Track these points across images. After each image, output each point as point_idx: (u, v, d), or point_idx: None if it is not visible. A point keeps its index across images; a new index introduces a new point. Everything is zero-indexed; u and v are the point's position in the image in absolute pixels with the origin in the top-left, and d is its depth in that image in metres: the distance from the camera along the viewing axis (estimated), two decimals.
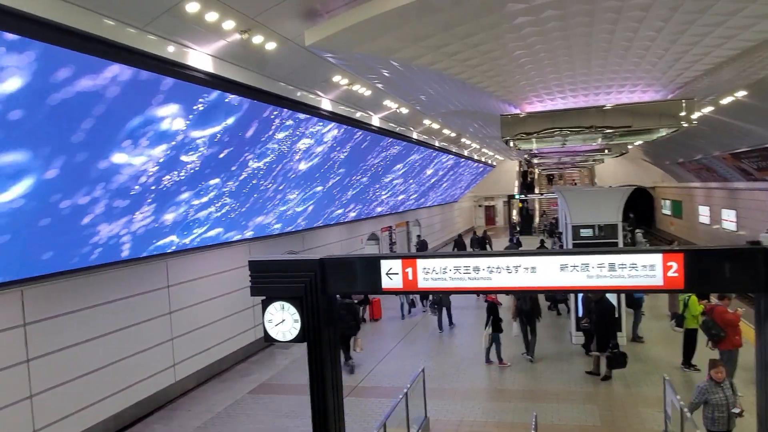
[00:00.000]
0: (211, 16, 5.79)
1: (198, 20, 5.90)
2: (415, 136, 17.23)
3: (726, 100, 13.91)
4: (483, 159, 34.00)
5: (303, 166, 12.46)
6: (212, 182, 9.75)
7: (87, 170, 6.87)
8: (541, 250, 4.96)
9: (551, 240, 28.83)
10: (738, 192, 28.29)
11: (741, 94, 12.91)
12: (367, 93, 10.66)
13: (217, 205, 10.60)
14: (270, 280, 5.16)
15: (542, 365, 11.65)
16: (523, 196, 45.09)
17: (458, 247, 27.19)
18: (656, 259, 4.29)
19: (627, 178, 44.04)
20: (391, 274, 4.90)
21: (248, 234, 13.00)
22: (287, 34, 6.94)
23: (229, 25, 6.12)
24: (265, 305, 5.18)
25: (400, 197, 24.60)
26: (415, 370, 9.46)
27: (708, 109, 15.18)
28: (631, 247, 23.16)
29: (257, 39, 6.61)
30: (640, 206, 49.82)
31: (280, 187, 12.46)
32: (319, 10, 6.47)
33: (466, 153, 27.47)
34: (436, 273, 4.80)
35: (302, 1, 6.25)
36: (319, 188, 14.50)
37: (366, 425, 8.98)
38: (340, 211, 17.99)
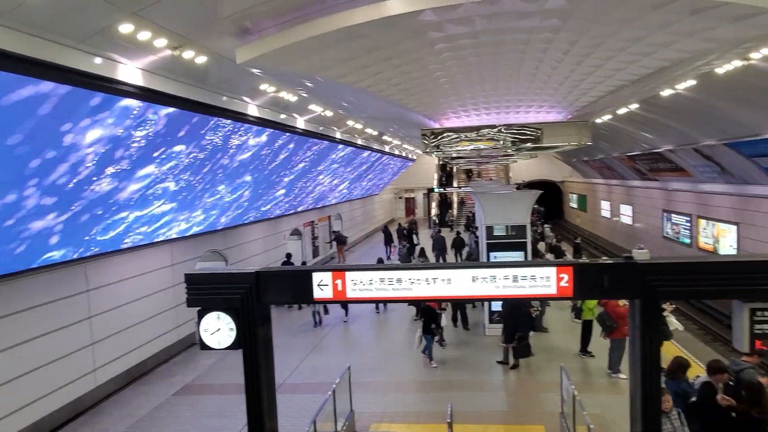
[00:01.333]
0: (144, 36, 5.92)
1: (130, 39, 5.99)
2: (338, 135, 17.62)
3: (621, 111, 15.41)
4: (404, 154, 34.93)
5: (230, 162, 12.49)
6: (144, 175, 9.70)
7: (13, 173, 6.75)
8: (456, 263, 5.57)
9: (468, 233, 30.16)
10: (634, 189, 30.97)
11: (634, 106, 14.39)
12: (293, 99, 10.93)
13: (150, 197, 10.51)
14: (206, 292, 5.44)
15: (458, 356, 12.52)
16: (441, 189, 46.62)
17: (384, 236, 28.51)
18: (551, 272, 5.01)
19: (539, 173, 46.79)
20: (322, 285, 5.34)
21: (174, 233, 12.90)
22: (218, 50, 7.14)
23: (161, 42, 6.25)
24: (200, 315, 5.45)
25: (322, 190, 24.92)
26: (339, 364, 9.94)
27: (606, 117, 16.70)
28: (540, 242, 24.85)
29: (188, 54, 6.76)
30: (550, 200, 53.06)
31: (207, 186, 12.47)
32: (251, 29, 6.72)
33: (387, 149, 28.19)
34: (363, 284, 5.29)
35: (234, 21, 6.49)
36: (248, 179, 14.54)
37: (294, 421, 9.35)
38: (265, 208, 18.08)
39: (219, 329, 5.47)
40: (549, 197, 52.83)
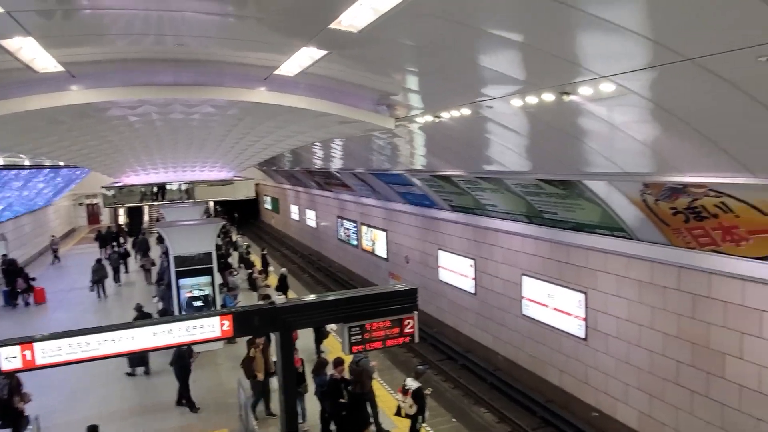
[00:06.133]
0: None
1: None
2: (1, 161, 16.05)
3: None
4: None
5: None
6: None
7: None
8: (139, 322, 6.75)
9: (161, 246, 29.97)
10: (316, 197, 35.30)
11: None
12: None
13: None
14: None
15: (155, 383, 13.17)
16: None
17: (100, 240, 30.57)
18: (215, 320, 6.72)
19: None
20: (10, 358, 5.95)
21: None
22: None
23: None
24: None
25: None
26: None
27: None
28: (233, 252, 26.53)
29: None
30: (247, 201, 55.09)
31: None
32: None
33: (63, 163, 25.95)
34: (52, 352, 6.10)
35: None
36: None
37: None
38: None
39: None
40: (246, 200, 55.16)
